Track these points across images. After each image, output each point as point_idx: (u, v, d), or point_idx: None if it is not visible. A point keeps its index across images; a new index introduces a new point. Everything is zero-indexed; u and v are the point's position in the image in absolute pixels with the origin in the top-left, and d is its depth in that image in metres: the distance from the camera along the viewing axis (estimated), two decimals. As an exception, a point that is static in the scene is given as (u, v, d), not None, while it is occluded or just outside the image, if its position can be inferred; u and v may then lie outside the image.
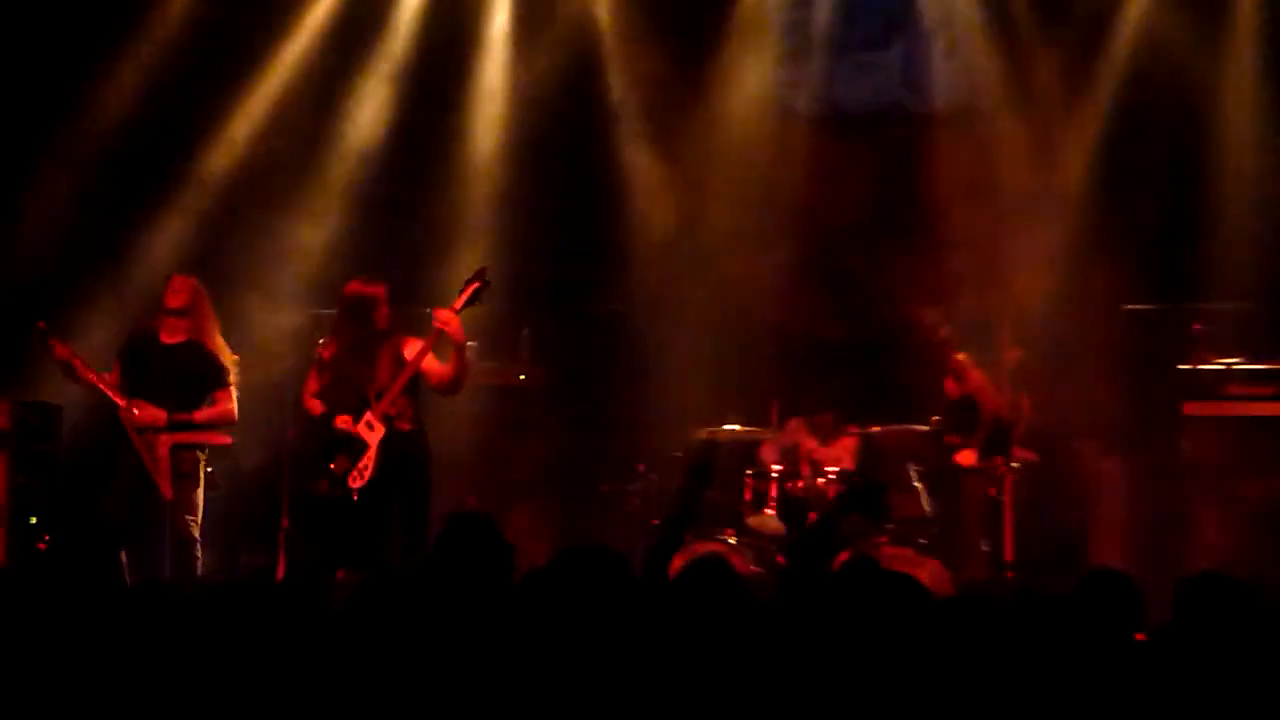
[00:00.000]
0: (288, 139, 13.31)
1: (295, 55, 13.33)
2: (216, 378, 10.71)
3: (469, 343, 10.70)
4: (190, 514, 10.56)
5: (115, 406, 10.55)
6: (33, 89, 12.56)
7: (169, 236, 12.87)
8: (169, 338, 10.65)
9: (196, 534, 10.58)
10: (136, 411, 10.45)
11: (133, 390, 10.54)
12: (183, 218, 12.95)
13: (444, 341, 10.41)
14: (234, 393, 10.79)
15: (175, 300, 10.63)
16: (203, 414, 10.66)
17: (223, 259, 12.75)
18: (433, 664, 4.33)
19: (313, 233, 13.14)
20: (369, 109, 13.48)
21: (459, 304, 10.38)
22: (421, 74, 13.57)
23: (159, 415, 10.49)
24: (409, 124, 13.53)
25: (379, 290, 10.63)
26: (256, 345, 12.26)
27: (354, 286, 10.71)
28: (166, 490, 10.55)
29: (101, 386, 10.56)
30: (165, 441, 10.48)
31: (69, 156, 12.74)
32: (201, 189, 13.02)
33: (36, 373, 11.49)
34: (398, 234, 13.29)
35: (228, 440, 10.90)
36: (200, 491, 10.66)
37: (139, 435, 10.48)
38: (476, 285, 10.48)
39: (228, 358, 10.81)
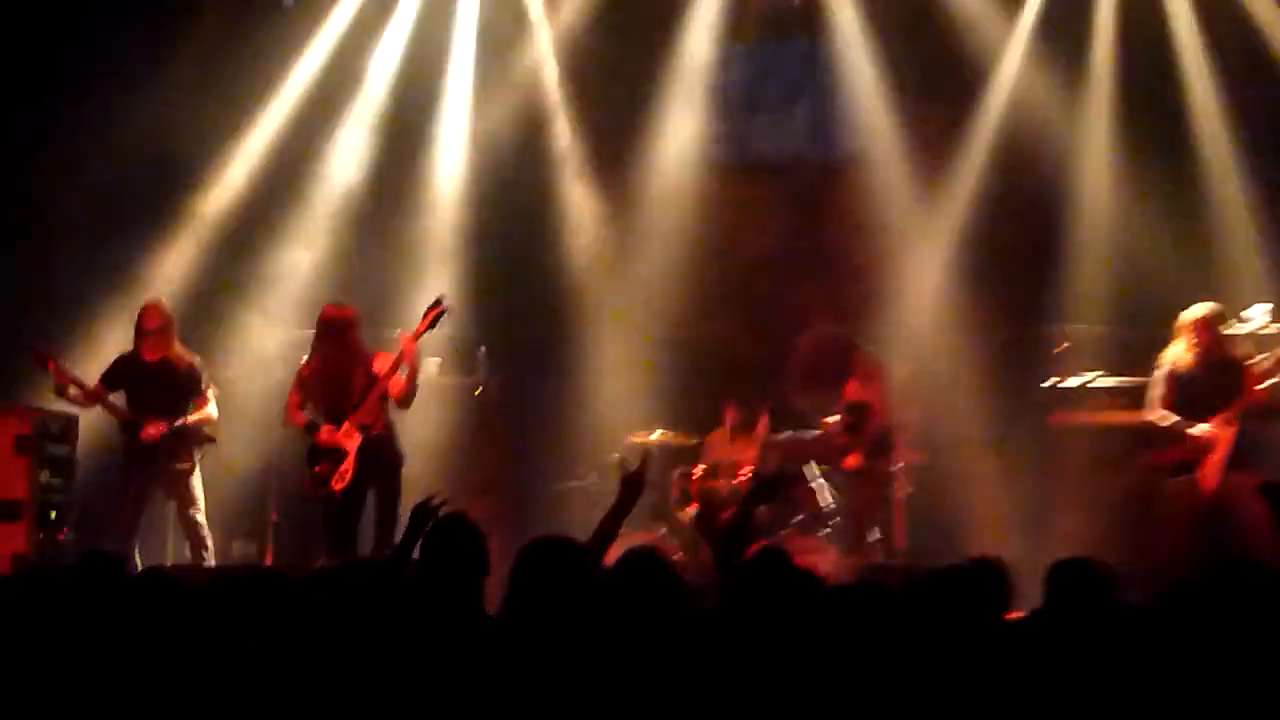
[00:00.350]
0: (279, 178, 13.31)
1: (287, 106, 13.34)
2: (196, 385, 10.95)
3: (435, 359, 10.77)
4: (194, 506, 10.83)
5: (123, 423, 10.81)
6: (58, 134, 12.55)
7: (177, 261, 12.90)
8: (150, 355, 10.83)
9: (203, 520, 10.88)
10: (148, 427, 10.69)
11: (132, 407, 10.78)
12: (188, 246, 12.98)
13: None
14: (210, 393, 11.02)
15: (151, 322, 10.83)
16: (192, 418, 10.90)
17: (222, 282, 12.91)
18: (415, 642, 4.42)
19: (297, 259, 13.16)
20: (349, 152, 13.49)
21: (420, 329, 10.36)
22: (394, 122, 13.59)
23: (161, 426, 10.71)
24: (382, 165, 13.54)
25: (350, 313, 10.66)
26: (251, 358, 12.38)
27: (329, 310, 10.72)
28: (171, 490, 10.81)
29: (107, 408, 10.86)
30: (165, 447, 10.75)
31: (90, 192, 12.75)
32: (203, 221, 13.02)
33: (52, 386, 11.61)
34: (371, 261, 13.29)
35: (214, 439, 11.10)
36: (198, 483, 10.91)
37: (144, 444, 10.71)
38: (436, 311, 10.43)
39: (197, 363, 11.03)
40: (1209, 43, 12.58)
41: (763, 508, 10.96)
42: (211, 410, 11.03)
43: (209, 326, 12.22)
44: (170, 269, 12.91)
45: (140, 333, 10.88)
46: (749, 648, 4.39)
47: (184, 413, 10.87)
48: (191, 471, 10.95)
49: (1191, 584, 5.19)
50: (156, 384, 10.85)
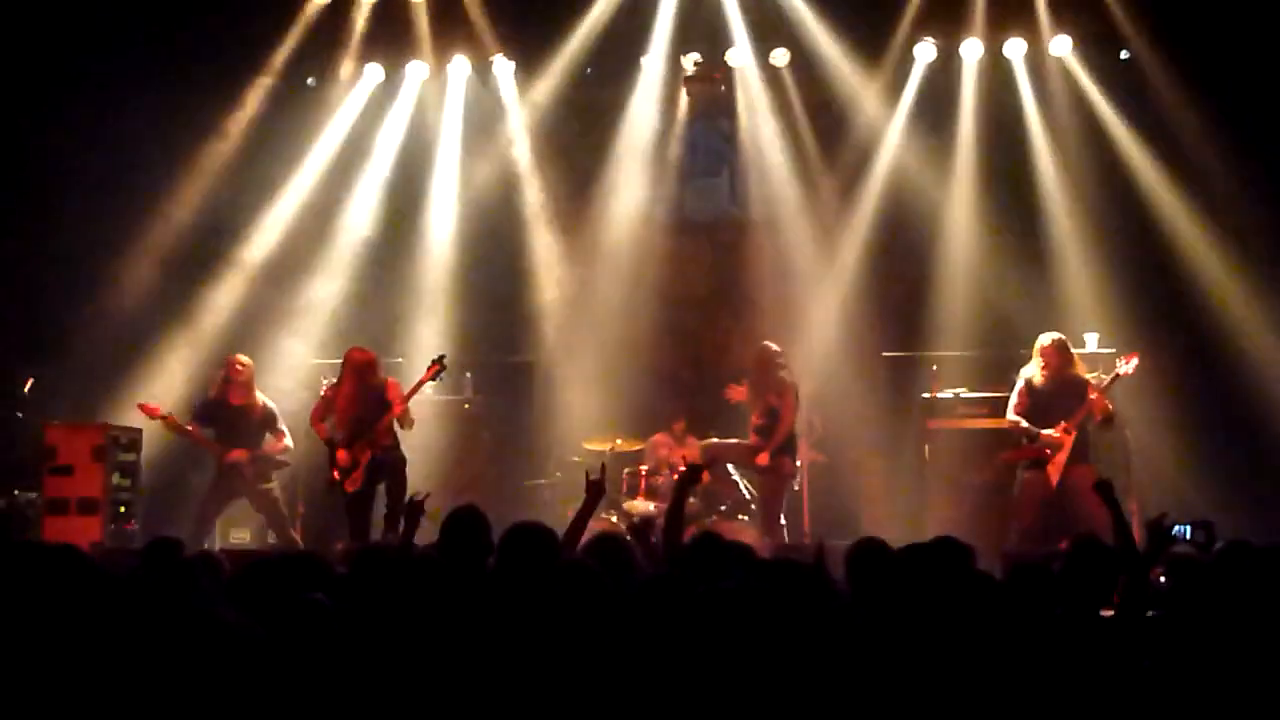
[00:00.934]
0: (306, 230, 13.31)
1: (312, 171, 13.32)
2: (274, 423, 11.10)
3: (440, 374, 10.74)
4: (280, 517, 11.17)
5: (217, 451, 10.97)
6: (125, 197, 12.58)
7: (226, 298, 12.89)
8: (236, 399, 10.99)
9: (282, 507, 11.20)
10: (233, 453, 10.89)
11: (220, 439, 10.98)
12: (233, 285, 12.96)
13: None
14: (286, 431, 11.16)
15: (238, 374, 10.98)
16: (270, 447, 11.09)
17: (260, 314, 12.92)
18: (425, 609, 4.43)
19: (321, 297, 13.12)
20: (362, 208, 13.47)
21: (425, 377, 10.44)
22: (397, 184, 13.54)
23: (243, 454, 10.87)
24: (388, 219, 13.49)
25: (371, 357, 10.67)
26: (282, 378, 12.38)
27: (354, 354, 10.72)
28: (260, 506, 11.15)
29: (201, 442, 11.08)
30: (250, 469, 10.94)
31: (153, 243, 12.73)
32: (245, 267, 13.00)
33: (123, 406, 11.62)
34: (380, 297, 13.24)
35: (288, 463, 11.30)
36: (280, 497, 11.17)
37: (231, 467, 10.89)
38: (436, 368, 10.47)
39: (271, 405, 11.17)
40: (1050, 121, 12.74)
41: (693, 500, 11.18)
42: (288, 442, 11.17)
43: (249, 350, 12.20)
44: (219, 304, 12.87)
45: (228, 380, 11.01)
46: (695, 605, 4.41)
47: (261, 444, 11.04)
48: (274, 489, 11.15)
49: (1039, 558, 5.26)
50: (242, 421, 11.01)
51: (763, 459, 10.96)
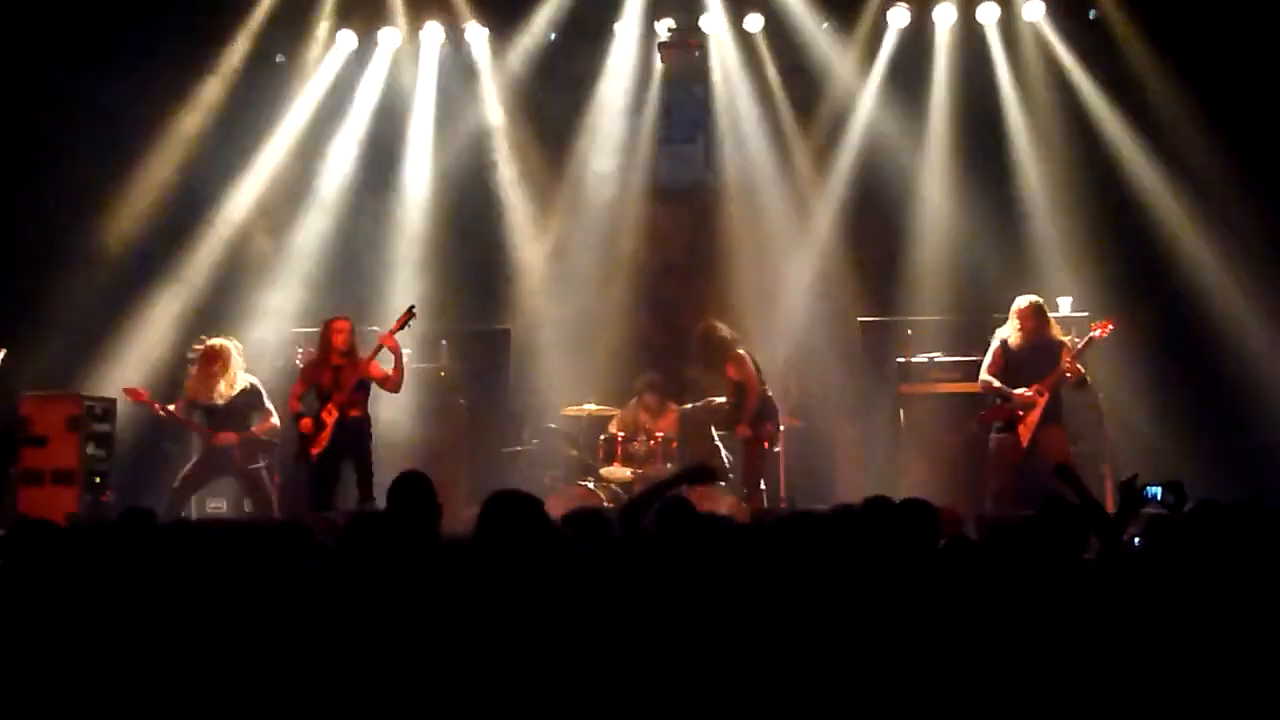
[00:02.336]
0: (278, 200, 13.30)
1: (285, 139, 13.28)
2: (260, 402, 11.05)
3: (406, 350, 10.75)
4: (267, 497, 11.12)
5: (205, 434, 10.93)
6: (99, 169, 12.52)
7: (208, 258, 12.91)
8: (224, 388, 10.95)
9: (270, 487, 11.18)
10: (220, 435, 10.87)
11: (210, 423, 10.94)
12: (209, 255, 12.95)
13: (386, 353, 10.47)
14: (273, 410, 11.08)
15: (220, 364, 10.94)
16: (258, 428, 11.07)
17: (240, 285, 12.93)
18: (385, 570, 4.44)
19: (298, 266, 13.10)
20: (335, 176, 13.39)
21: (395, 327, 10.44)
22: (372, 152, 13.48)
23: (232, 438, 10.85)
24: (363, 192, 13.42)
25: (346, 325, 10.62)
26: (258, 348, 12.38)
27: (332, 322, 10.66)
28: (246, 487, 11.13)
29: (189, 425, 11.07)
30: (239, 451, 10.93)
31: (129, 214, 12.69)
32: (219, 231, 13.00)
33: (97, 377, 11.57)
34: (354, 265, 13.17)
35: (276, 442, 11.24)
36: (267, 477, 11.15)
37: (220, 449, 10.88)
38: (408, 316, 10.49)
39: (257, 385, 11.09)
40: (1023, 86, 12.76)
41: (669, 465, 11.21)
42: (274, 421, 11.09)
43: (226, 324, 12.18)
44: (196, 273, 12.84)
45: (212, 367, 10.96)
46: (672, 568, 4.43)
47: (249, 426, 11.01)
48: (262, 470, 11.14)
49: (1012, 519, 5.30)
50: (229, 404, 10.94)
51: (742, 430, 11.05)
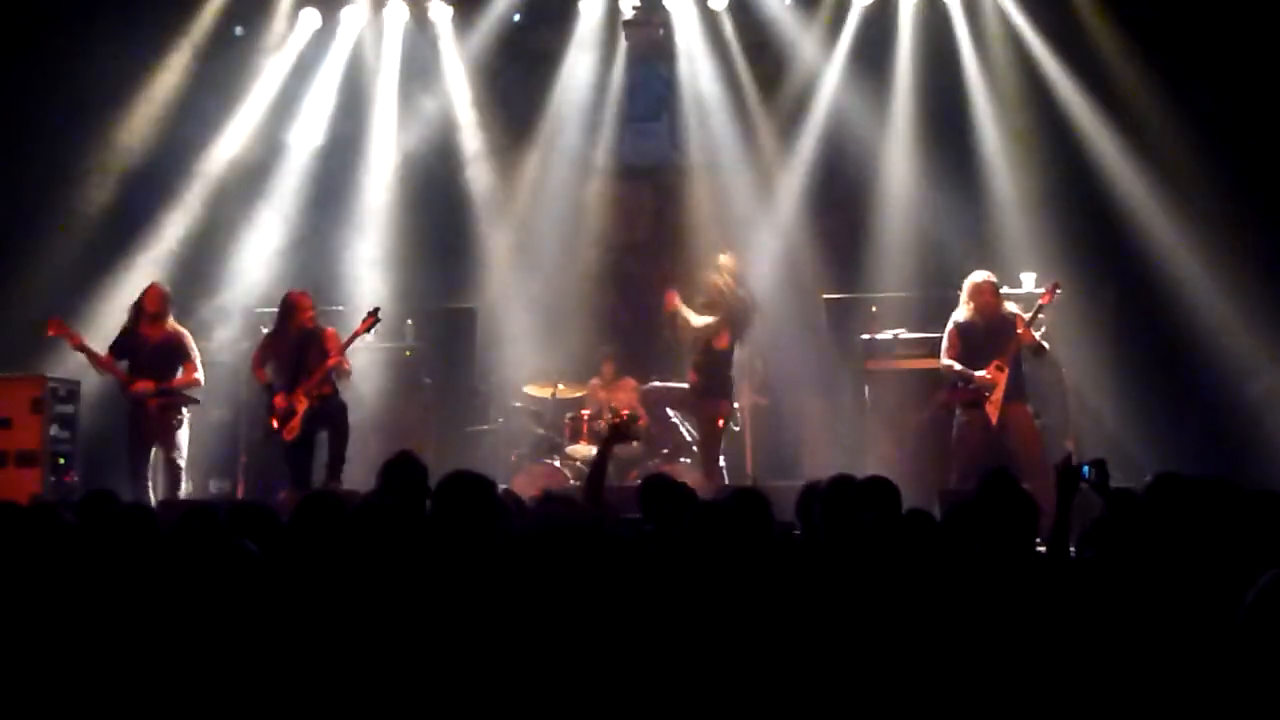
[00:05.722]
0: (240, 179, 13.23)
1: (249, 117, 13.22)
2: (186, 355, 10.75)
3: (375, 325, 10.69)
4: (176, 451, 10.63)
5: (120, 381, 10.68)
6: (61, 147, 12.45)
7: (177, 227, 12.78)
8: (148, 331, 10.66)
9: (182, 464, 10.65)
10: (137, 384, 10.58)
11: (132, 372, 10.65)
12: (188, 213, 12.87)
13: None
14: (197, 361, 10.78)
15: (152, 305, 10.67)
16: (178, 380, 10.70)
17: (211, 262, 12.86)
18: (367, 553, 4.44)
19: (262, 245, 13.05)
20: (301, 163, 13.36)
21: (356, 332, 10.42)
22: (336, 130, 13.47)
23: (148, 385, 10.59)
24: (327, 170, 13.41)
25: (307, 300, 10.62)
26: (225, 324, 12.34)
27: (292, 296, 10.66)
28: (159, 439, 10.65)
29: (110, 369, 10.68)
30: (154, 403, 10.57)
31: (93, 191, 12.62)
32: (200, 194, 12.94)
33: (61, 357, 11.47)
34: (318, 244, 13.13)
35: (198, 400, 10.90)
36: (184, 434, 10.71)
37: (138, 401, 10.62)
38: (371, 320, 10.46)
39: (187, 337, 10.82)
40: (987, 63, 12.78)
41: (636, 444, 11.25)
42: (198, 376, 10.76)
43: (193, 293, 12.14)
44: (159, 249, 12.69)
45: (142, 312, 10.70)
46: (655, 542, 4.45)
47: (171, 379, 10.68)
48: (179, 425, 10.68)
49: (972, 498, 5.32)
50: (154, 354, 10.67)
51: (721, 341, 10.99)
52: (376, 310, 10.55)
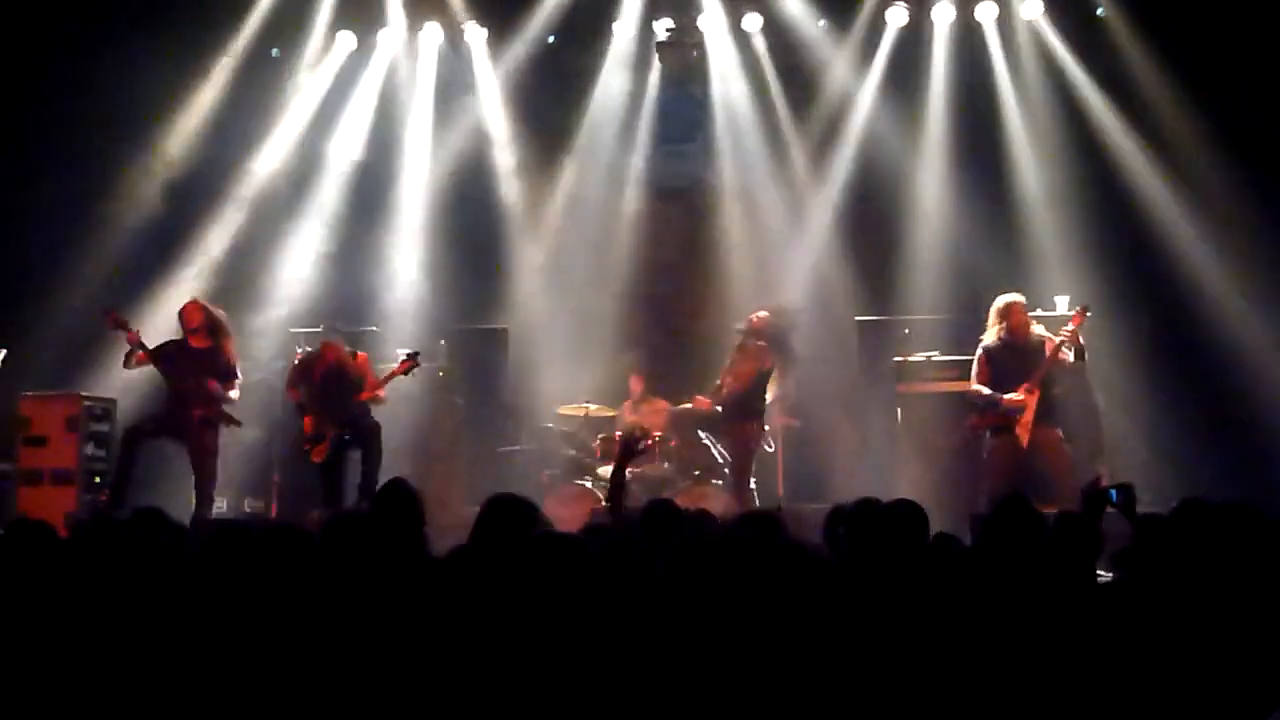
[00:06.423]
0: (276, 203, 13.32)
1: (285, 138, 13.36)
2: (231, 370, 10.48)
3: (403, 351, 10.75)
4: (210, 474, 10.43)
5: (170, 375, 10.29)
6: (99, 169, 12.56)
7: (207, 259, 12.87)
8: (195, 343, 10.36)
9: (213, 483, 10.46)
10: (199, 385, 10.22)
11: (174, 384, 10.31)
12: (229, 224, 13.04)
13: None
14: (237, 381, 10.52)
15: (190, 322, 10.38)
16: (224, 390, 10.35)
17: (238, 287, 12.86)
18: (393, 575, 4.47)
19: (297, 266, 13.16)
20: (336, 184, 13.46)
21: (394, 372, 10.55)
22: (371, 152, 13.58)
23: (214, 386, 10.25)
24: (362, 185, 13.51)
25: (341, 350, 10.67)
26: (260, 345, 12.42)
27: (332, 349, 10.71)
28: (192, 451, 10.39)
29: (158, 365, 10.27)
30: (198, 413, 10.18)
31: (128, 210, 12.72)
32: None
33: (97, 375, 11.57)
34: (353, 265, 13.22)
35: (239, 422, 10.64)
36: (218, 441, 10.46)
37: (182, 400, 10.26)
38: (410, 364, 10.57)
39: (233, 356, 10.54)
40: (1021, 85, 12.79)
41: (666, 465, 11.28)
42: (234, 394, 10.43)
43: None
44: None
45: (184, 328, 10.36)
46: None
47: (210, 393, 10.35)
48: (214, 444, 10.41)
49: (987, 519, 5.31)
50: (197, 365, 10.28)
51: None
52: (416, 355, 10.65)
